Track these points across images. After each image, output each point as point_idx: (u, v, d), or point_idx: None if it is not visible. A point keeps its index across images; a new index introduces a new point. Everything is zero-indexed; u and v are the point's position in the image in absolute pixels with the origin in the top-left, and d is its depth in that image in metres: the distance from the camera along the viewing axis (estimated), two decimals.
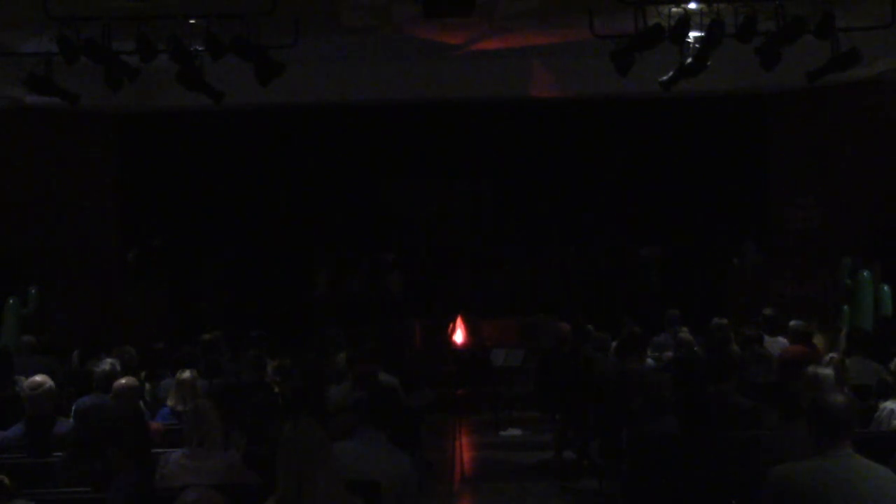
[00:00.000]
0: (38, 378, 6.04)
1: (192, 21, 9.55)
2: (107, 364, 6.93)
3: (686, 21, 9.21)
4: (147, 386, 8.09)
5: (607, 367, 8.50)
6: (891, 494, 3.51)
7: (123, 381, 6.34)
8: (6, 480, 4.26)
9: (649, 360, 8.70)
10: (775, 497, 3.58)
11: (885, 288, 11.85)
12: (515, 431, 11.93)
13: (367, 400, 5.15)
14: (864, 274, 11.90)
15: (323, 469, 3.92)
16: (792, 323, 9.01)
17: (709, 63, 9.85)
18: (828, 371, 5.57)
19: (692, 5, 9.45)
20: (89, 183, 14.50)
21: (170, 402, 6.91)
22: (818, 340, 9.09)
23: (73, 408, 6.93)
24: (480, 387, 12.22)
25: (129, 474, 4.86)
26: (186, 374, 7.10)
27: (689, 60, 9.90)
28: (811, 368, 5.68)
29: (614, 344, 9.09)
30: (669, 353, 9.15)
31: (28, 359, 9.33)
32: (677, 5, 9.38)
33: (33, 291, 12.71)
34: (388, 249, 15.48)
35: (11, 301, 12.33)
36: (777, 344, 9.01)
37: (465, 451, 11.35)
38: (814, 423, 3.67)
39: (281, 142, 15.17)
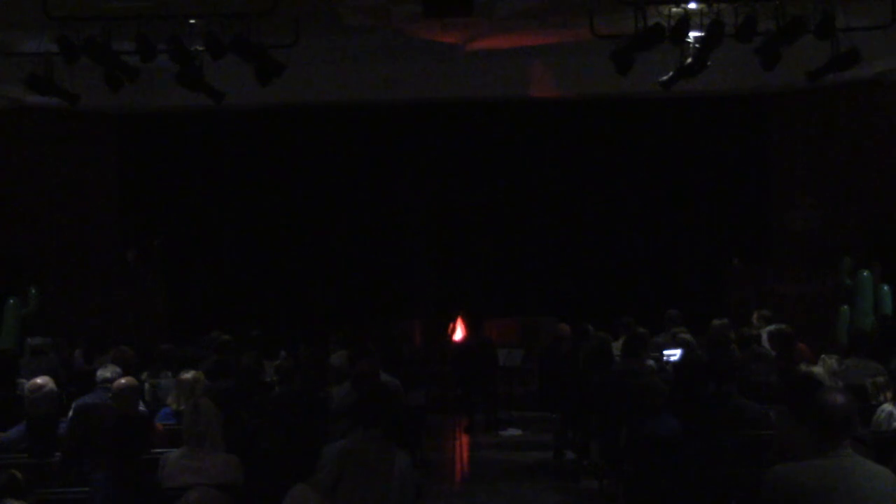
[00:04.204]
0: (39, 380, 6.06)
1: (192, 21, 9.55)
2: (108, 370, 6.94)
3: (686, 21, 9.21)
4: (147, 386, 8.09)
5: (607, 367, 8.49)
6: (891, 495, 3.51)
7: (123, 381, 6.34)
8: (18, 475, 4.29)
9: (649, 361, 8.69)
10: (774, 498, 3.58)
11: (885, 288, 11.86)
12: (515, 431, 11.94)
13: (367, 400, 5.15)
14: (864, 274, 11.90)
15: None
16: (772, 328, 8.94)
17: (709, 63, 9.85)
18: (819, 369, 5.58)
19: (692, 5, 9.45)
20: (89, 183, 14.50)
21: (170, 403, 6.91)
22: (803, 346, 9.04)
23: (73, 406, 6.94)
24: (484, 386, 12.21)
25: (109, 473, 4.87)
26: (189, 374, 7.11)
27: (689, 60, 9.90)
28: (802, 367, 5.68)
29: (616, 344, 9.08)
30: (671, 353, 9.15)
31: (33, 360, 9.34)
32: (677, 5, 9.38)
33: (33, 291, 12.72)
34: (387, 248, 15.47)
35: (11, 301, 12.34)
36: None
37: (465, 451, 11.35)
38: (813, 423, 3.67)
39: (281, 142, 15.16)
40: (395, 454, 4.61)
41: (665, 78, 10.57)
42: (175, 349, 8.88)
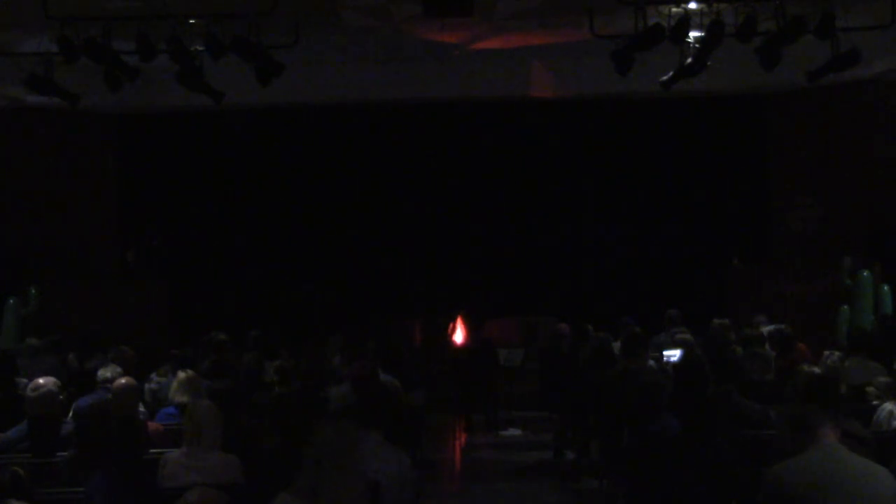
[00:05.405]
0: (42, 380, 6.05)
1: (192, 21, 9.55)
2: (108, 370, 6.95)
3: (686, 21, 9.21)
4: (148, 387, 8.10)
5: (608, 367, 8.49)
6: (881, 490, 3.51)
7: (123, 381, 6.33)
8: (22, 473, 4.29)
9: (649, 361, 8.68)
10: (770, 498, 3.58)
11: (885, 288, 11.86)
12: (515, 431, 11.95)
13: (366, 400, 5.15)
14: (864, 274, 11.90)
15: (350, 472, 3.94)
16: (772, 328, 8.93)
17: (709, 63, 9.85)
18: (817, 370, 5.58)
19: (692, 5, 9.45)
20: (89, 183, 14.51)
21: (177, 398, 6.90)
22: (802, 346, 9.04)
23: (73, 406, 6.94)
24: (484, 386, 12.22)
25: (106, 474, 4.88)
26: (185, 373, 7.12)
27: (689, 60, 9.90)
28: (805, 367, 5.68)
29: (616, 344, 9.07)
30: (671, 353, 9.14)
31: (32, 360, 9.34)
32: (677, 5, 9.38)
33: (33, 291, 12.72)
34: (387, 248, 15.46)
35: (11, 301, 12.34)
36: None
37: (464, 451, 11.36)
38: (788, 418, 3.70)
39: (281, 142, 15.16)
40: (362, 439, 4.55)
41: (665, 78, 10.56)
42: (186, 352, 8.87)
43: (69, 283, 13.61)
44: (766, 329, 9.18)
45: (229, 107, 11.73)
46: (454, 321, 14.69)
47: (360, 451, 4.76)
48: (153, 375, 8.43)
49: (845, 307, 11.98)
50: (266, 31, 9.55)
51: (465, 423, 12.26)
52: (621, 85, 10.75)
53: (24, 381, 7.32)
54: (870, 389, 6.74)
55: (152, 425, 6.44)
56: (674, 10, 9.38)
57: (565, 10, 10.73)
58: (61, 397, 6.26)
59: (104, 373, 6.97)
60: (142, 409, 6.97)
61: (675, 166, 14.83)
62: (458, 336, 14.61)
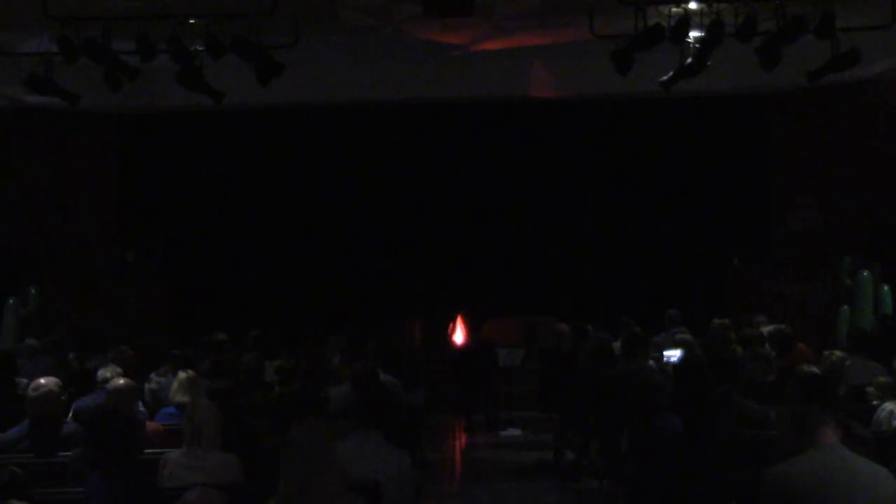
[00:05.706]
0: (43, 379, 6.05)
1: (192, 21, 9.55)
2: (108, 370, 6.95)
3: (686, 21, 9.20)
4: (148, 387, 8.10)
5: (608, 367, 8.49)
6: (883, 491, 3.51)
7: (121, 381, 6.33)
8: (19, 472, 4.29)
9: (650, 361, 8.68)
10: (773, 498, 3.58)
11: (885, 288, 11.86)
12: (515, 431, 11.95)
13: (365, 400, 5.15)
14: (864, 274, 11.90)
15: (326, 470, 3.93)
16: (772, 328, 8.93)
17: (709, 63, 9.85)
18: (817, 370, 5.59)
19: (692, 5, 9.45)
20: (89, 183, 14.51)
21: (177, 398, 6.90)
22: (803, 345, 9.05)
23: (73, 407, 6.94)
24: (484, 386, 12.23)
25: (103, 474, 4.88)
26: (186, 373, 7.12)
27: (689, 60, 9.90)
28: (805, 367, 5.69)
29: (616, 344, 9.08)
30: (671, 353, 9.15)
31: (31, 360, 9.34)
32: (677, 5, 9.38)
33: (33, 291, 12.72)
34: (387, 248, 15.46)
35: (11, 301, 12.34)
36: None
37: (464, 451, 11.36)
38: (788, 417, 3.69)
39: (280, 142, 15.16)
40: (361, 439, 4.55)
41: (665, 78, 10.56)
42: (186, 352, 8.87)
43: (69, 283, 13.62)
44: (766, 329, 9.19)
45: (229, 107, 11.72)
46: (454, 321, 14.70)
47: (361, 451, 4.77)
48: (153, 375, 8.44)
49: (845, 307, 11.98)
50: (266, 31, 9.55)
51: (465, 423, 12.26)
52: (621, 85, 10.73)
53: (24, 381, 7.32)
54: (870, 389, 6.75)
55: (152, 425, 6.44)
56: (674, 10, 9.37)
57: (565, 10, 10.73)
58: (63, 397, 6.26)
59: (104, 373, 6.97)
60: (142, 408, 6.98)
61: (675, 166, 14.83)
62: (458, 336, 14.62)
